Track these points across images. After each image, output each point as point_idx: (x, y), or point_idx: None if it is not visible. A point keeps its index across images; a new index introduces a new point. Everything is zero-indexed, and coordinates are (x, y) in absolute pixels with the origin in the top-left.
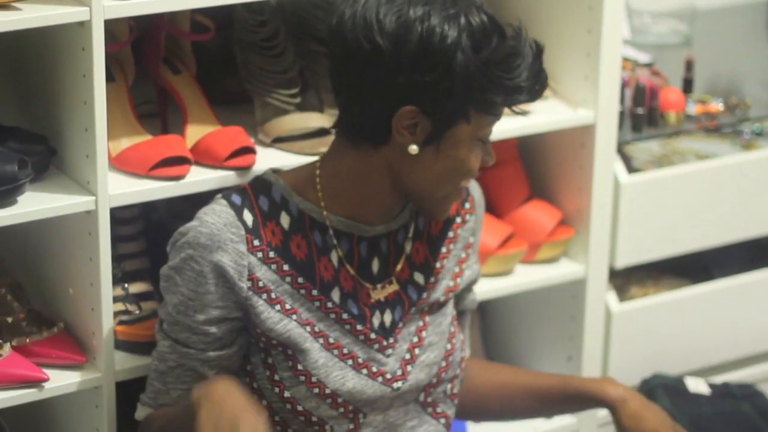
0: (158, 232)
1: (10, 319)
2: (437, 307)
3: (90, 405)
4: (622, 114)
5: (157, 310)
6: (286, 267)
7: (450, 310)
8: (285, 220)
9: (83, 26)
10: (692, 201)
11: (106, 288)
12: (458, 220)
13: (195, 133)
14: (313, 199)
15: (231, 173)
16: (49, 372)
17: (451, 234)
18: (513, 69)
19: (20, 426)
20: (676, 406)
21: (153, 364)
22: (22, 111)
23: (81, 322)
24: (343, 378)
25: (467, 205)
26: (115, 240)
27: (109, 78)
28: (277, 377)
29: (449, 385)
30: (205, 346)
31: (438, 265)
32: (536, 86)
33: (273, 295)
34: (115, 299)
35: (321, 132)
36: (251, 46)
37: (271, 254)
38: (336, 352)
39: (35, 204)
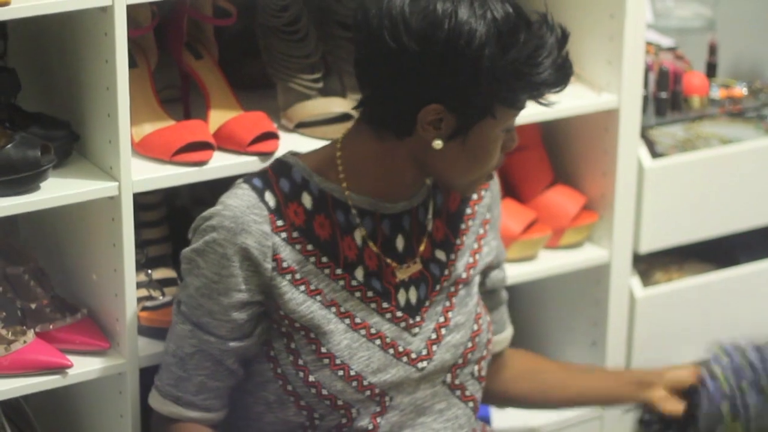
0: (181, 218)
1: (33, 306)
2: (462, 285)
3: (113, 391)
4: (645, 98)
5: (177, 292)
6: (309, 247)
7: (475, 290)
8: (307, 200)
9: (106, 12)
10: (716, 185)
11: (130, 274)
12: (474, 196)
13: (218, 118)
14: (334, 179)
15: (254, 158)
16: (73, 358)
17: (468, 210)
18: (539, 64)
19: (44, 412)
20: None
21: (170, 348)
22: (45, 97)
23: (104, 308)
24: (369, 359)
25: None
26: (139, 226)
27: (132, 63)
28: (300, 362)
29: (476, 367)
30: (226, 333)
31: (458, 241)
32: (561, 79)
33: (297, 276)
34: (139, 285)
35: (344, 117)
36: (273, 31)
37: (295, 234)
38: (363, 332)
39: (58, 190)
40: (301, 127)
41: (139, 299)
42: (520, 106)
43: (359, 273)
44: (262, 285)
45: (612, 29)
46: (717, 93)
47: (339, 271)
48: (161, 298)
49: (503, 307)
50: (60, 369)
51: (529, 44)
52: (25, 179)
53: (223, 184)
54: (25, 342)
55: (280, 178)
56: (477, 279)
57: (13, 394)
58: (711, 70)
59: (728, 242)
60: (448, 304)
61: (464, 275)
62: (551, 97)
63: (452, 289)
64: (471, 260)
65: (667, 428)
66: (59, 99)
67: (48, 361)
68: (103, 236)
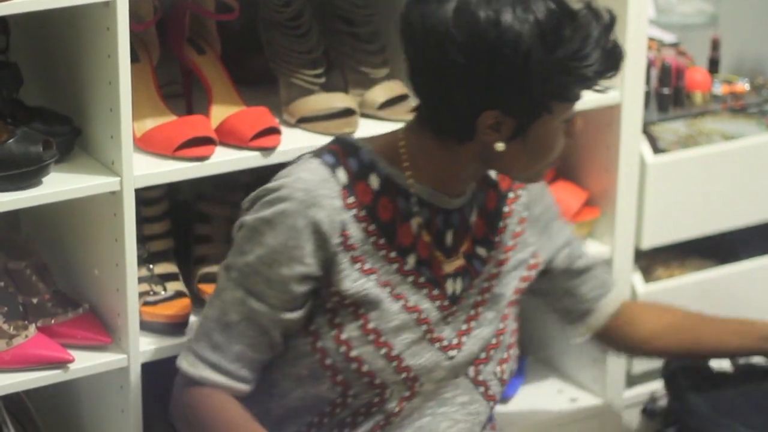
0: (183, 213)
1: (35, 300)
2: (494, 281)
3: (115, 386)
4: (647, 94)
5: (229, 255)
6: (372, 227)
7: (508, 292)
8: (374, 181)
9: (108, 6)
10: (718, 181)
11: (131, 269)
12: (511, 195)
13: (220, 113)
14: (398, 166)
15: (256, 154)
16: (74, 353)
17: (506, 209)
18: (587, 56)
19: (45, 407)
20: (696, 387)
21: (212, 314)
22: (47, 92)
23: (106, 303)
24: (411, 341)
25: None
26: (140, 221)
27: (134, 58)
28: (344, 336)
29: (499, 368)
30: (279, 303)
31: (497, 239)
32: (612, 65)
33: (357, 254)
34: (140, 280)
35: (346, 112)
36: (276, 26)
37: (362, 213)
38: (415, 315)
39: (60, 185)
40: (303, 122)
41: (141, 294)
42: (575, 98)
43: (411, 260)
44: (325, 260)
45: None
46: (719, 89)
47: (393, 255)
48: (163, 293)
49: (593, 271)
50: (61, 364)
51: (575, 38)
52: (27, 174)
53: (225, 179)
54: (26, 337)
55: (348, 157)
56: (512, 276)
57: (14, 388)
58: (713, 66)
59: (730, 238)
60: (480, 298)
61: (495, 271)
62: (607, 82)
63: (485, 284)
64: (502, 257)
65: (669, 419)
66: (61, 94)
67: (49, 355)
68: (104, 231)
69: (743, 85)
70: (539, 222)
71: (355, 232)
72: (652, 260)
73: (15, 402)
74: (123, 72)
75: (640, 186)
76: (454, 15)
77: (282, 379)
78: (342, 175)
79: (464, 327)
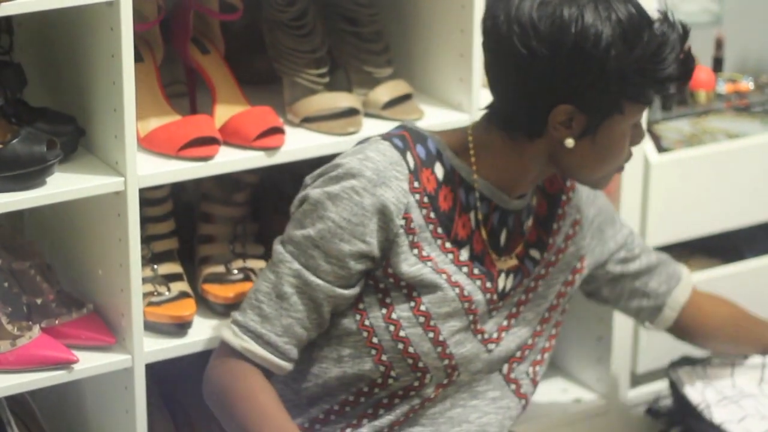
0: (187, 213)
1: (39, 301)
2: (541, 282)
3: (119, 386)
4: None
5: (287, 230)
6: (432, 215)
7: (551, 295)
8: (439, 170)
9: (111, 6)
10: (722, 180)
11: (136, 269)
12: (563, 197)
13: (224, 113)
14: (465, 159)
15: (260, 153)
16: (78, 353)
17: (560, 211)
18: (663, 60)
19: (49, 407)
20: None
21: (263, 287)
22: (51, 92)
23: (110, 304)
24: (457, 329)
25: (569, 183)
26: (144, 221)
27: (138, 58)
28: (394, 316)
29: (531, 369)
30: (334, 279)
31: (551, 241)
32: (685, 72)
33: (416, 239)
34: (145, 280)
35: (350, 112)
36: (279, 25)
37: (425, 199)
38: (467, 305)
39: (64, 185)
40: (307, 121)
41: (145, 294)
42: (647, 101)
43: (466, 253)
44: (386, 241)
45: None
46: (723, 88)
47: (449, 245)
48: (167, 293)
49: (658, 268)
50: (65, 364)
51: (652, 42)
52: (31, 174)
53: (229, 179)
54: (30, 337)
55: (417, 144)
56: (558, 279)
57: (18, 389)
58: (717, 65)
59: (734, 237)
60: (523, 297)
61: (543, 272)
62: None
63: (532, 284)
64: (553, 258)
65: (674, 419)
66: (65, 94)
67: (53, 356)
68: (108, 231)
69: (747, 84)
70: (593, 225)
71: (417, 217)
72: None
73: (19, 403)
74: (127, 72)
75: (645, 185)
76: (539, 8)
77: (321, 360)
78: (410, 159)
79: (505, 323)
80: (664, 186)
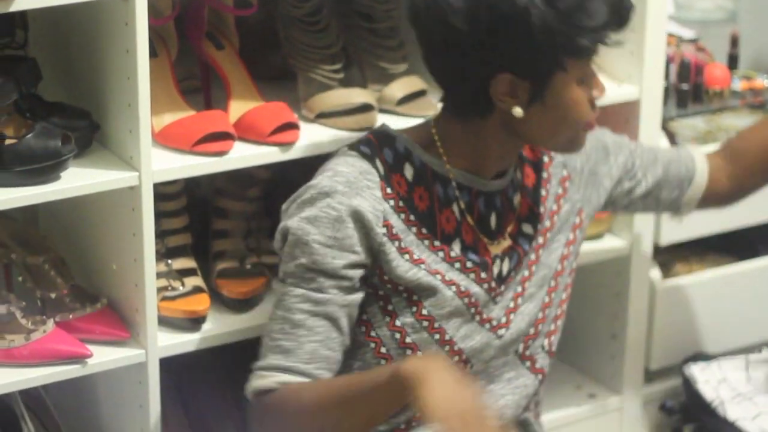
0: (201, 208)
1: (53, 295)
2: (542, 251)
3: (133, 381)
4: (666, 90)
5: (281, 268)
6: (411, 217)
7: (554, 262)
8: (409, 171)
9: (126, 1)
10: None
11: (150, 264)
12: (545, 159)
13: (238, 108)
14: (434, 154)
15: (274, 149)
16: (93, 348)
17: (544, 175)
18: (589, 8)
19: (63, 402)
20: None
21: (275, 327)
22: (66, 86)
23: (124, 298)
24: (461, 324)
25: None
26: (159, 216)
27: (153, 53)
28: (398, 323)
29: (546, 341)
30: (339, 290)
31: (542, 209)
32: (618, 17)
33: (402, 244)
34: (159, 275)
35: (364, 107)
36: (294, 21)
37: (400, 203)
38: (466, 300)
39: (79, 180)
40: (322, 117)
41: (159, 289)
42: (587, 54)
43: (457, 246)
44: (373, 249)
45: (634, 21)
46: (738, 85)
47: (437, 243)
48: (181, 288)
49: (670, 167)
50: (79, 359)
51: None
52: (46, 169)
53: (244, 175)
54: (44, 331)
55: (384, 148)
56: (558, 242)
57: (32, 383)
58: (732, 62)
59: (749, 234)
60: (526, 273)
61: (541, 241)
62: (618, 37)
63: (532, 257)
64: (548, 224)
65: (688, 416)
66: (80, 89)
67: (68, 350)
68: (123, 226)
69: (762, 81)
70: (583, 174)
71: (396, 222)
72: (671, 256)
73: (33, 397)
74: (141, 67)
75: None
76: None
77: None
78: (380, 165)
79: (512, 305)
80: None
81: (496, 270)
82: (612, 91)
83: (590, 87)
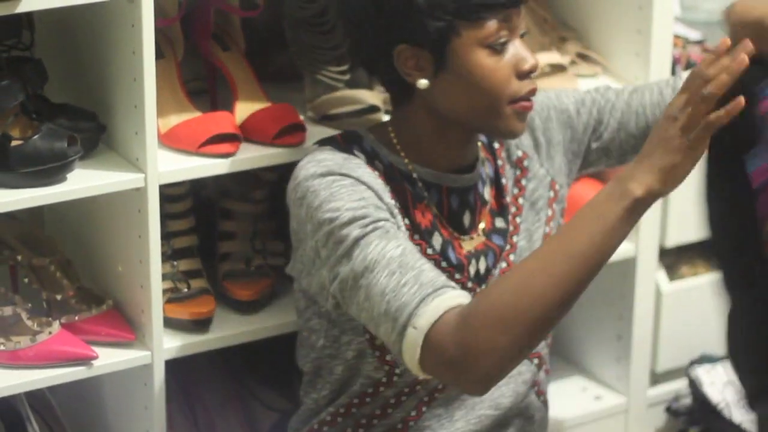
0: (207, 210)
1: (59, 297)
2: (515, 238)
3: (139, 383)
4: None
5: (340, 271)
6: (398, 205)
7: (535, 244)
8: (380, 168)
9: (132, 2)
10: None
11: (155, 265)
12: (496, 145)
13: (244, 110)
14: (396, 154)
15: (280, 150)
16: (98, 350)
17: (499, 162)
18: None
19: (69, 403)
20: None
21: (384, 284)
22: (72, 88)
23: (130, 300)
24: None
25: None
26: (164, 217)
27: (159, 54)
28: None
29: None
30: (398, 227)
31: (508, 199)
32: None
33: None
34: (164, 277)
35: (370, 109)
36: (300, 22)
37: (388, 187)
38: None
39: (84, 181)
40: (328, 119)
41: (165, 291)
42: (479, 16)
43: (437, 241)
44: (390, 215)
45: (640, 22)
46: None
47: (416, 237)
48: (186, 289)
49: (623, 95)
50: (85, 360)
51: None
52: (52, 170)
53: (249, 176)
54: (50, 333)
55: (353, 146)
56: (536, 223)
57: (38, 385)
58: None
59: None
60: (504, 265)
61: (512, 227)
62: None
63: (508, 247)
64: (514, 209)
65: (693, 418)
66: (86, 90)
67: (73, 352)
68: (129, 227)
69: None
70: (541, 147)
71: (389, 202)
72: (677, 258)
73: (39, 398)
74: (147, 68)
75: None
76: None
77: (332, 365)
78: (359, 154)
79: None
80: (685, 184)
81: (473, 270)
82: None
83: (516, 58)
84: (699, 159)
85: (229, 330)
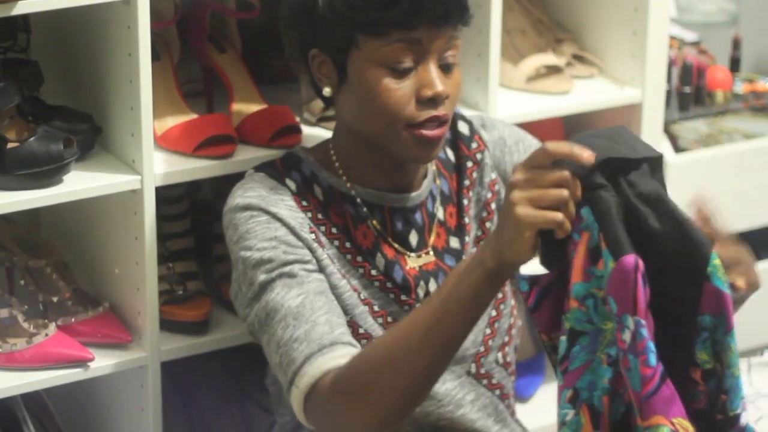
0: (203, 212)
1: (55, 299)
2: None
3: (135, 384)
4: (668, 93)
5: (243, 306)
6: (333, 230)
7: None
8: (318, 192)
9: (128, 5)
10: (739, 180)
11: (151, 267)
12: (469, 164)
13: (240, 111)
14: (335, 174)
15: (276, 152)
16: (95, 351)
17: (467, 182)
18: None
19: (65, 405)
20: None
21: (279, 335)
22: (68, 90)
23: (126, 302)
24: None
25: (474, 145)
26: (161, 219)
27: (155, 57)
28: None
29: (500, 354)
30: (308, 272)
31: (466, 220)
32: None
33: (330, 253)
34: (161, 279)
35: None
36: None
37: (319, 216)
38: (380, 320)
39: (81, 183)
40: (324, 121)
41: (161, 293)
42: (377, 31)
43: (380, 262)
44: (307, 246)
45: (636, 23)
46: (740, 87)
47: (359, 259)
48: (182, 291)
49: None
50: (81, 362)
51: None
52: (48, 172)
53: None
54: (46, 335)
55: (291, 171)
56: None
57: (34, 387)
58: (734, 65)
59: (751, 238)
60: None
61: (475, 249)
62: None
63: None
64: (480, 232)
65: None
66: (82, 92)
67: (70, 354)
68: (125, 229)
69: (764, 84)
70: (507, 176)
71: (318, 233)
72: None
73: (35, 400)
74: (144, 70)
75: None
76: None
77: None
78: (290, 183)
79: None
80: (681, 186)
81: (422, 292)
82: (614, 94)
83: (420, 83)
84: (542, 228)
85: (225, 332)
